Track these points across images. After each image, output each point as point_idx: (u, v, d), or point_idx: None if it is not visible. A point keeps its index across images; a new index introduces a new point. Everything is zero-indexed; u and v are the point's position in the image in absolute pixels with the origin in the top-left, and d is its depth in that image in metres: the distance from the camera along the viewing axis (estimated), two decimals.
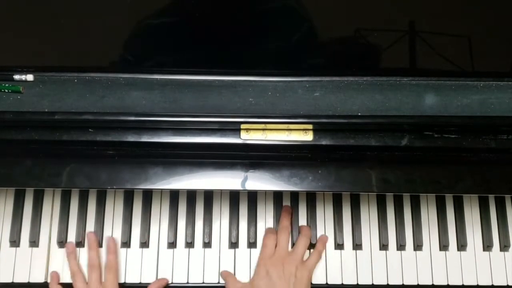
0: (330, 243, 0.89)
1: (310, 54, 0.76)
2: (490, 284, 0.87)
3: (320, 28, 0.74)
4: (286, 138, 0.73)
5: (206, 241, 0.88)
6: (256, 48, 0.75)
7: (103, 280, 0.84)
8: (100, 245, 0.87)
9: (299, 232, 0.87)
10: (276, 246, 0.85)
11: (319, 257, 0.86)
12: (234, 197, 0.90)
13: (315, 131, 0.73)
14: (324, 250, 0.87)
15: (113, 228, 0.88)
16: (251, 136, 0.73)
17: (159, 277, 0.86)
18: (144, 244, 0.88)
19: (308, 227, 0.88)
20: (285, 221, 0.87)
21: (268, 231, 0.88)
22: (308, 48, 0.75)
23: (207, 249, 0.88)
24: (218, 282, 0.87)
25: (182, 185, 0.76)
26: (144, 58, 0.75)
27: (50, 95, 0.74)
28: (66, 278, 0.86)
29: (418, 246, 0.88)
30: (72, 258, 0.86)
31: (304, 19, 0.74)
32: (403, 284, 0.87)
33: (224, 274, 0.86)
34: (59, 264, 0.87)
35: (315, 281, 0.86)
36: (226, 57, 0.75)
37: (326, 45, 0.75)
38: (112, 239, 0.87)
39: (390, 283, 0.87)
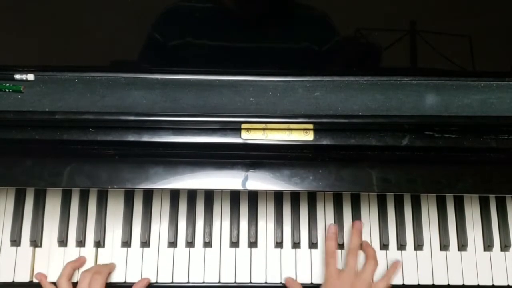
0: None
1: (310, 54, 0.75)
2: (490, 284, 0.87)
3: (321, 28, 0.74)
4: (287, 137, 0.73)
5: (207, 240, 0.88)
6: (256, 48, 0.75)
7: None
8: (101, 245, 0.87)
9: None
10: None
11: (389, 282, 0.84)
12: (234, 196, 0.90)
13: (315, 131, 0.73)
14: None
15: (114, 228, 0.88)
16: (252, 135, 0.73)
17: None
18: (145, 243, 0.88)
19: (373, 248, 0.86)
20: (356, 241, 0.85)
21: (329, 250, 0.84)
22: (308, 48, 0.75)
23: (207, 249, 0.88)
24: (219, 282, 0.87)
25: (182, 185, 0.77)
26: (145, 57, 0.76)
27: (50, 94, 0.74)
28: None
29: (418, 246, 0.88)
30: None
31: (305, 19, 0.74)
32: (403, 284, 0.87)
33: (288, 282, 0.85)
34: (59, 263, 0.87)
35: (315, 280, 0.86)
36: (227, 57, 0.75)
37: (326, 45, 0.75)
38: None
39: (391, 282, 0.87)
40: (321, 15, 0.74)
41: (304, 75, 0.75)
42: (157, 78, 0.75)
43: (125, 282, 0.86)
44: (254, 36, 0.75)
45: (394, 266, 0.86)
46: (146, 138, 0.73)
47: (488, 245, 0.88)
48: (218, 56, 0.75)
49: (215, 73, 0.75)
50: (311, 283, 0.86)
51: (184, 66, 0.76)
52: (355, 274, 0.82)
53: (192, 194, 0.90)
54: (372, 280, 0.83)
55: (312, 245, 0.88)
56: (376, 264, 0.84)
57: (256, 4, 0.75)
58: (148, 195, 0.90)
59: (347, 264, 0.83)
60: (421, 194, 0.89)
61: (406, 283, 0.87)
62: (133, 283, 0.86)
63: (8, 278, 0.86)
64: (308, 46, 0.75)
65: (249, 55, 0.75)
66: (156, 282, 0.86)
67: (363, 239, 0.88)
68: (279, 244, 0.88)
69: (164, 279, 0.87)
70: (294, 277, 0.87)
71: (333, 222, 0.89)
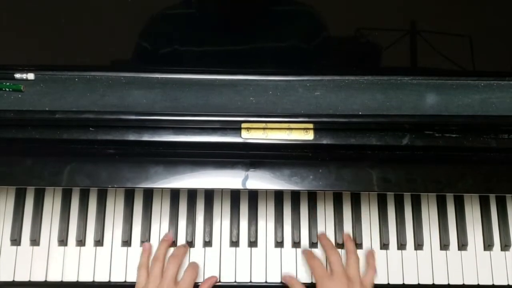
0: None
1: (311, 53, 0.76)
2: (491, 283, 0.87)
3: (321, 28, 0.74)
4: (287, 137, 0.73)
5: (207, 240, 0.88)
6: (257, 47, 0.75)
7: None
8: (101, 244, 0.87)
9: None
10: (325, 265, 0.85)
11: (375, 272, 0.85)
12: (234, 196, 0.90)
13: (315, 130, 0.73)
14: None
15: (114, 227, 0.88)
16: (252, 135, 0.73)
17: None
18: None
19: (353, 241, 0.87)
20: (329, 242, 0.86)
21: (308, 254, 0.86)
22: (309, 47, 0.75)
23: (207, 248, 0.88)
24: (219, 281, 0.87)
25: (182, 184, 0.77)
26: (144, 57, 0.76)
27: (51, 94, 0.74)
28: (68, 277, 0.86)
29: (418, 246, 0.88)
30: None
31: (305, 18, 0.74)
32: (403, 284, 0.87)
33: (286, 279, 0.85)
34: (59, 263, 0.87)
35: (315, 280, 0.86)
36: (227, 56, 0.75)
37: (327, 44, 0.75)
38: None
39: (391, 282, 0.87)
40: (322, 14, 0.74)
41: (304, 75, 0.75)
42: (157, 77, 0.75)
43: (125, 282, 0.86)
44: (255, 36, 0.75)
45: (371, 254, 0.86)
46: (146, 137, 0.73)
47: (488, 245, 0.88)
48: (218, 56, 0.75)
49: (216, 72, 0.75)
50: (312, 282, 0.86)
51: (184, 66, 0.76)
52: (344, 270, 0.82)
53: (192, 194, 0.90)
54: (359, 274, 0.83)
55: (313, 244, 0.88)
56: (357, 257, 0.84)
57: (255, 3, 0.75)
58: (148, 195, 0.90)
59: (332, 263, 0.82)
60: (421, 193, 0.89)
61: (406, 282, 0.87)
62: (133, 283, 0.85)
63: (8, 278, 0.86)
64: (308, 46, 0.75)
65: (250, 55, 0.75)
66: None
67: (364, 237, 0.88)
68: (279, 244, 0.88)
69: None
70: (294, 277, 0.87)
71: (333, 221, 0.89)
